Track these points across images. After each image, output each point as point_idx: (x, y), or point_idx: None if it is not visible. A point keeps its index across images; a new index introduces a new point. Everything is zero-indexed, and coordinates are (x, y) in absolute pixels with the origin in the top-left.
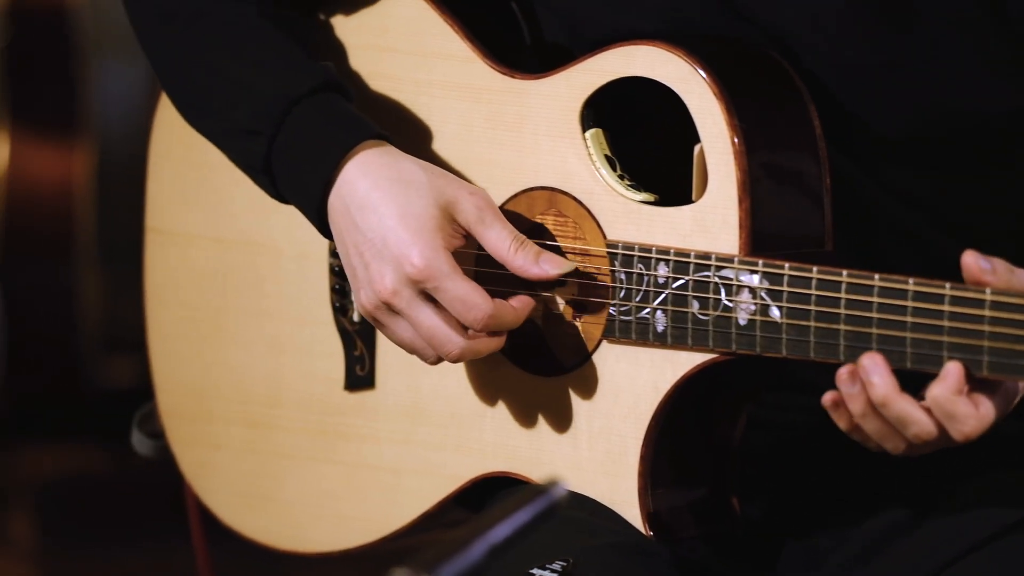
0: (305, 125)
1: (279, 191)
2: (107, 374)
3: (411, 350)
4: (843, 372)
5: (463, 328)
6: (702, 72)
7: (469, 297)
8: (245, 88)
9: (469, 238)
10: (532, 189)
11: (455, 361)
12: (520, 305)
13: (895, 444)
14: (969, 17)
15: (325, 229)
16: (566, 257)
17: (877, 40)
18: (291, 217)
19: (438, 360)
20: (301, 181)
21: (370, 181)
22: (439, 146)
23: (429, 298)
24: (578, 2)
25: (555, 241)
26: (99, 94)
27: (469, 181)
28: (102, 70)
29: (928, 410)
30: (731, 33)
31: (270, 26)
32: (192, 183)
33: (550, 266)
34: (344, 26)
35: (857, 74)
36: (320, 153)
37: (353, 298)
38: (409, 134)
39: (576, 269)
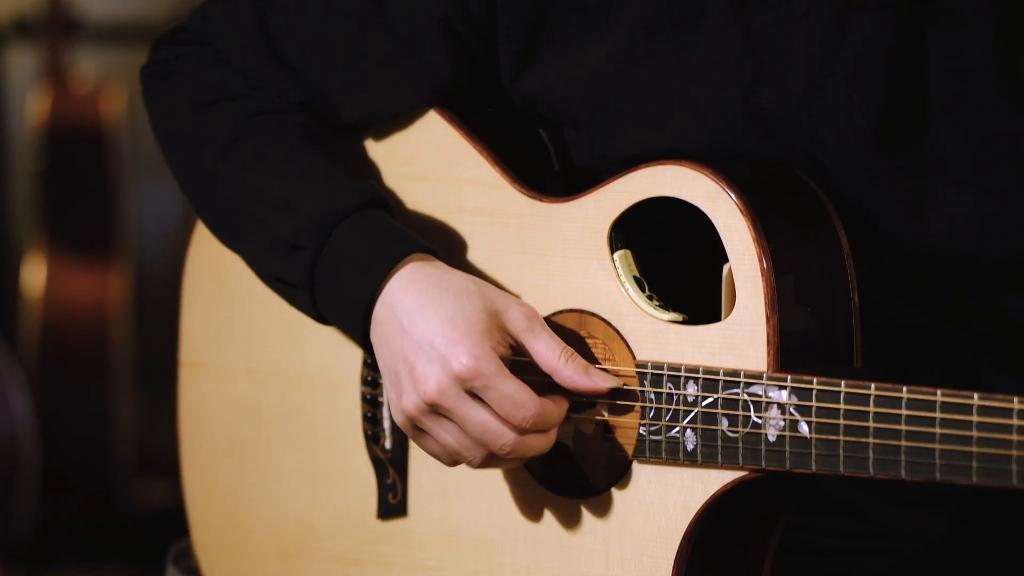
0: (352, 239)
1: (317, 306)
2: (140, 497)
3: (454, 454)
4: None
5: (509, 428)
6: (729, 191)
7: (518, 396)
8: (289, 205)
9: (515, 349)
10: (562, 312)
11: (507, 456)
12: (561, 404)
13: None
14: (996, 120)
15: (366, 341)
16: None
17: (907, 143)
18: (323, 348)
19: (483, 461)
20: (346, 294)
21: (418, 288)
22: (469, 271)
23: (476, 397)
24: (606, 122)
25: None
26: (135, 216)
27: None
28: (138, 192)
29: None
30: (761, 149)
31: (311, 146)
32: (225, 316)
33: (600, 378)
34: (375, 153)
35: (887, 180)
36: (367, 266)
37: (391, 408)
38: (439, 253)
39: (628, 390)
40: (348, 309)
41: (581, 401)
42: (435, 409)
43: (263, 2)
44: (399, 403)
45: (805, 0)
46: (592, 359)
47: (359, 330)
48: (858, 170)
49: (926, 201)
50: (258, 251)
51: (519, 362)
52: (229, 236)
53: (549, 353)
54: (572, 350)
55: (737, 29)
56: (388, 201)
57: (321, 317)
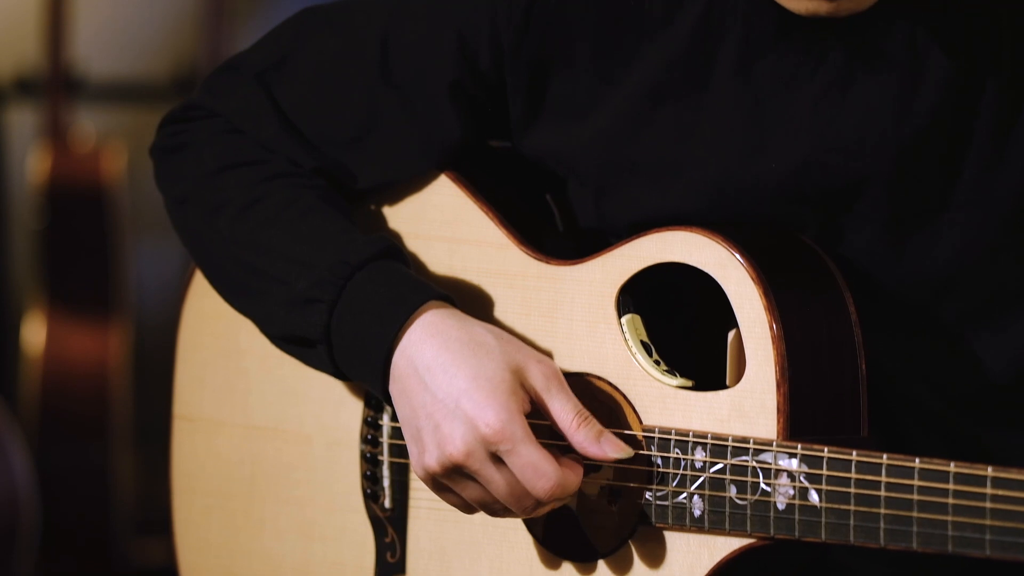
0: (367, 290)
1: (336, 362)
2: (139, 555)
3: (473, 509)
4: None
5: (527, 496)
6: (739, 257)
7: (540, 465)
8: (304, 262)
9: (534, 406)
10: (567, 375)
11: (528, 516)
12: (578, 471)
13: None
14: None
15: (386, 394)
16: None
17: (912, 200)
18: (322, 405)
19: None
20: (363, 345)
21: (439, 341)
22: None
23: (499, 460)
24: (613, 182)
25: None
26: (135, 274)
27: None
28: (138, 250)
29: None
30: (768, 210)
31: (327, 207)
32: (220, 371)
33: (610, 447)
34: (382, 214)
35: (892, 239)
36: (385, 315)
37: (412, 461)
38: (456, 301)
39: (635, 455)
40: (367, 361)
41: (588, 463)
42: (459, 470)
43: (270, 74)
44: (421, 459)
45: (812, 60)
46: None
47: (379, 382)
48: (863, 229)
49: (927, 255)
50: (273, 311)
51: (536, 424)
52: (243, 300)
53: (563, 415)
54: (588, 413)
55: (743, 91)
56: (402, 252)
57: (340, 372)
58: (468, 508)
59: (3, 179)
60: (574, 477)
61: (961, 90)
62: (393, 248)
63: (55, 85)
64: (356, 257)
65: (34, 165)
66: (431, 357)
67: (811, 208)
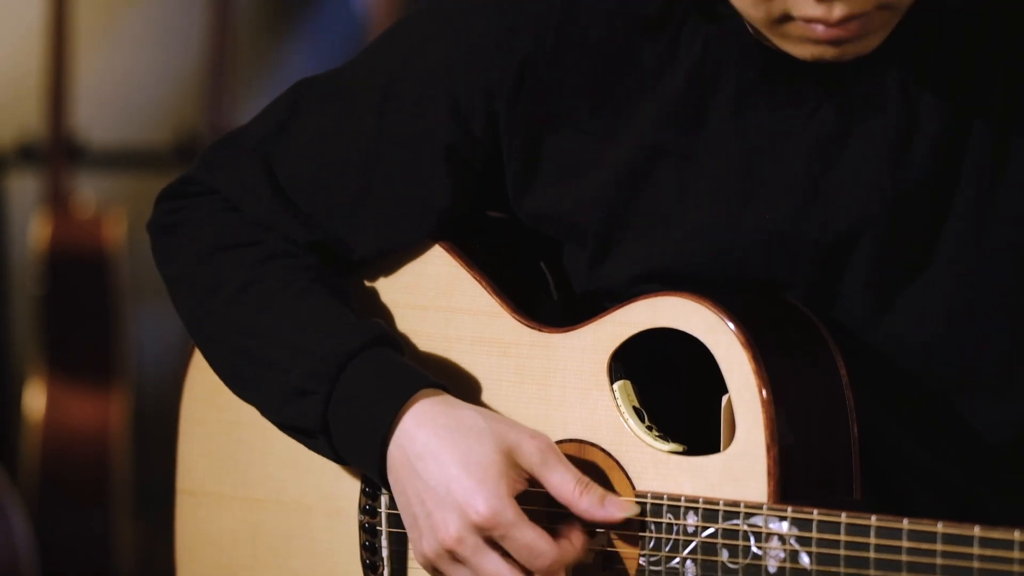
0: (360, 380)
1: (337, 450)
2: None
3: None
4: None
5: (528, 572)
6: (728, 322)
7: (536, 544)
8: (297, 350)
9: (531, 481)
10: (561, 441)
11: None
12: (577, 541)
13: None
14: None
15: (384, 481)
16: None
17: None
18: (321, 475)
19: None
20: (360, 436)
21: (429, 429)
22: (468, 402)
23: (494, 544)
24: (609, 239)
25: None
26: (135, 341)
27: None
28: (138, 316)
29: None
30: (767, 263)
31: (321, 289)
32: (223, 444)
33: (615, 509)
34: (376, 284)
35: (884, 291)
36: (377, 406)
37: (412, 548)
38: (449, 388)
39: (642, 510)
40: (364, 451)
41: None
42: (453, 556)
43: (267, 146)
44: (419, 545)
45: (805, 111)
46: None
47: (376, 472)
48: (854, 285)
49: (919, 312)
50: (271, 401)
51: (534, 492)
52: (242, 387)
53: (564, 486)
54: (587, 480)
55: (737, 143)
56: (395, 338)
57: (342, 460)
58: None
59: (4, 245)
60: (572, 548)
61: (953, 141)
62: (385, 335)
63: (56, 152)
64: (348, 346)
65: (35, 231)
66: (422, 445)
67: (804, 261)
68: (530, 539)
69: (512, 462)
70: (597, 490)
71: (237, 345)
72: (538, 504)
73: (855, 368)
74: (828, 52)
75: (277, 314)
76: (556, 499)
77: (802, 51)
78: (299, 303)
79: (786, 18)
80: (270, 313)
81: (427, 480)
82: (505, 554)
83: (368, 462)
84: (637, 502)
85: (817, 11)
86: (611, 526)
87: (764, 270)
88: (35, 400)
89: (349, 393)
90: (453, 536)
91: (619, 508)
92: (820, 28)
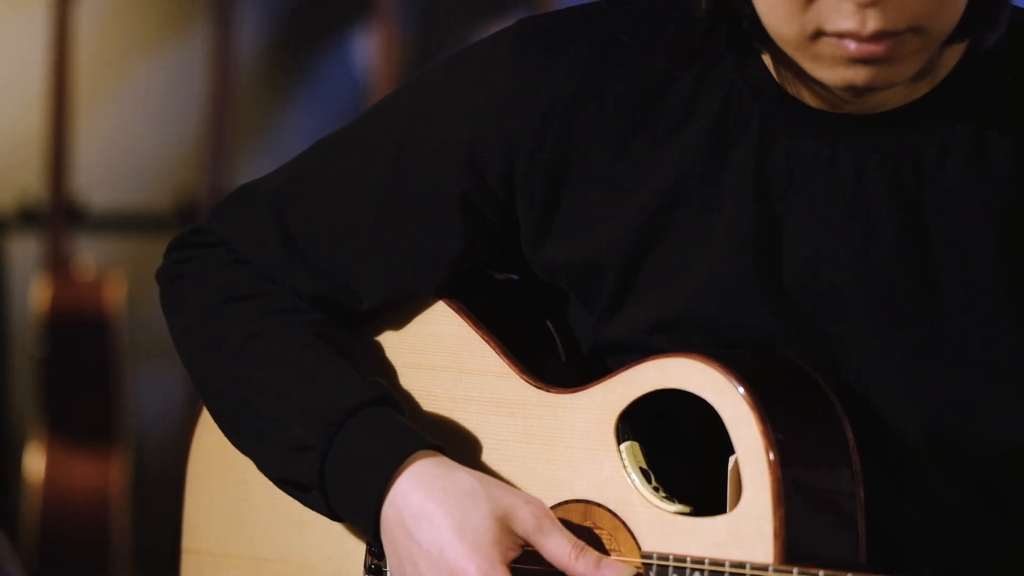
0: (357, 438)
1: (331, 507)
2: None
3: None
4: None
5: None
6: (737, 384)
7: None
8: (297, 405)
9: (526, 547)
10: (568, 502)
11: None
12: None
13: None
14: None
15: (378, 540)
16: None
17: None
18: (325, 534)
19: None
20: (355, 493)
21: (424, 492)
22: (476, 462)
23: None
24: (624, 291)
25: None
26: (136, 403)
27: None
28: (138, 379)
29: None
30: (778, 316)
31: (323, 344)
32: (227, 504)
33: (611, 571)
34: (383, 344)
35: (895, 353)
36: (374, 465)
37: None
38: (447, 450)
39: (638, 572)
40: (359, 509)
41: None
42: None
43: (280, 196)
44: None
45: (822, 162)
46: (599, 550)
47: (371, 530)
48: (869, 340)
49: (929, 381)
50: (269, 454)
51: (530, 553)
52: (241, 440)
53: (560, 551)
54: (583, 544)
55: (755, 194)
56: (395, 397)
57: (337, 516)
58: None
59: (5, 308)
60: None
61: (969, 199)
62: (386, 395)
63: (57, 215)
64: (348, 403)
65: (36, 294)
66: (417, 507)
67: (816, 318)
68: None
69: (507, 528)
70: (593, 553)
71: (238, 397)
72: (537, 565)
73: (862, 438)
74: (859, 75)
75: (278, 369)
76: (553, 564)
77: (832, 75)
78: (301, 358)
79: (818, 35)
80: (273, 367)
81: (420, 542)
82: None
83: (362, 520)
84: (643, 563)
85: (851, 23)
86: None
87: (776, 322)
88: (35, 462)
89: (346, 451)
90: None
91: (615, 571)
92: (852, 45)
